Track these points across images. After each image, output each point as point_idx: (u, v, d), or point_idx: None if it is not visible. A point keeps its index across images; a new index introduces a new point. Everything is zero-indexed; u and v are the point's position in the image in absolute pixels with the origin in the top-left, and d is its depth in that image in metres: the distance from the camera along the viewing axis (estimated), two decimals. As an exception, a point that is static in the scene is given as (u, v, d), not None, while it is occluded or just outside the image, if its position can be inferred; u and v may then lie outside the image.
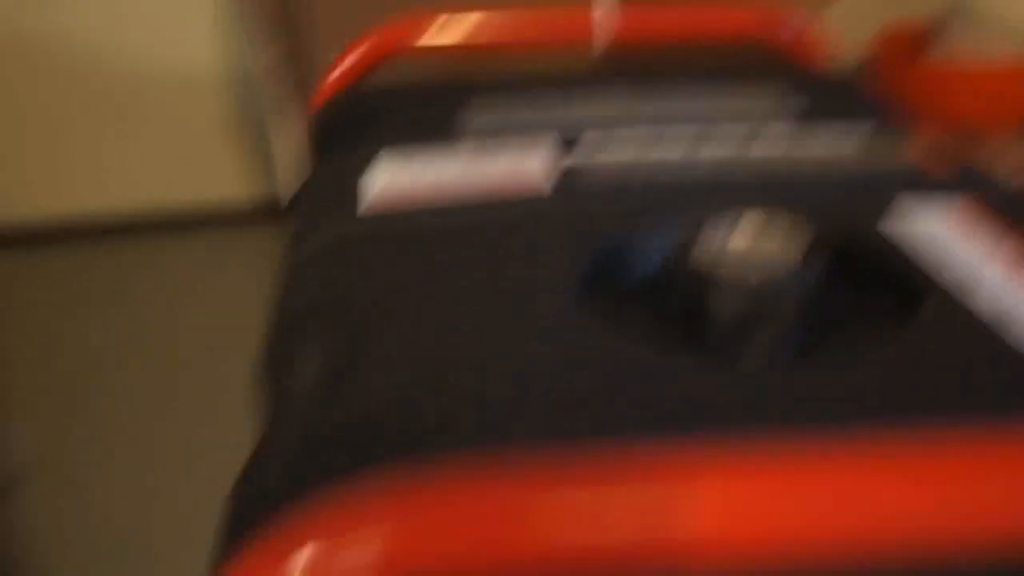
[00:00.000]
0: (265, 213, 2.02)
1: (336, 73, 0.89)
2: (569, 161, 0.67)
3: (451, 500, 0.41)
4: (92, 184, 2.05)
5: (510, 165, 0.66)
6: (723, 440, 0.43)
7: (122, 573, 1.48)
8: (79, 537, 1.53)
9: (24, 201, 2.06)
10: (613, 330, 0.51)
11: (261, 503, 0.45)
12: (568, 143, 0.69)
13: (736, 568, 0.40)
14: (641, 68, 0.84)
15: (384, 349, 0.53)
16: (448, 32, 0.88)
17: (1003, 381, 0.44)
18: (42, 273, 2.05)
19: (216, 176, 2.04)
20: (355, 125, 0.77)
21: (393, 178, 0.66)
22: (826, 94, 0.77)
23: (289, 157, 1.92)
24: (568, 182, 0.63)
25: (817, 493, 0.40)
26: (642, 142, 0.68)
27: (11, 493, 1.61)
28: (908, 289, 0.52)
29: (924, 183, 0.63)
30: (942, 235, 0.56)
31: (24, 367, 1.84)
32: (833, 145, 0.68)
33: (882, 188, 0.62)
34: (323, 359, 0.56)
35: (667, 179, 0.64)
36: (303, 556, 0.39)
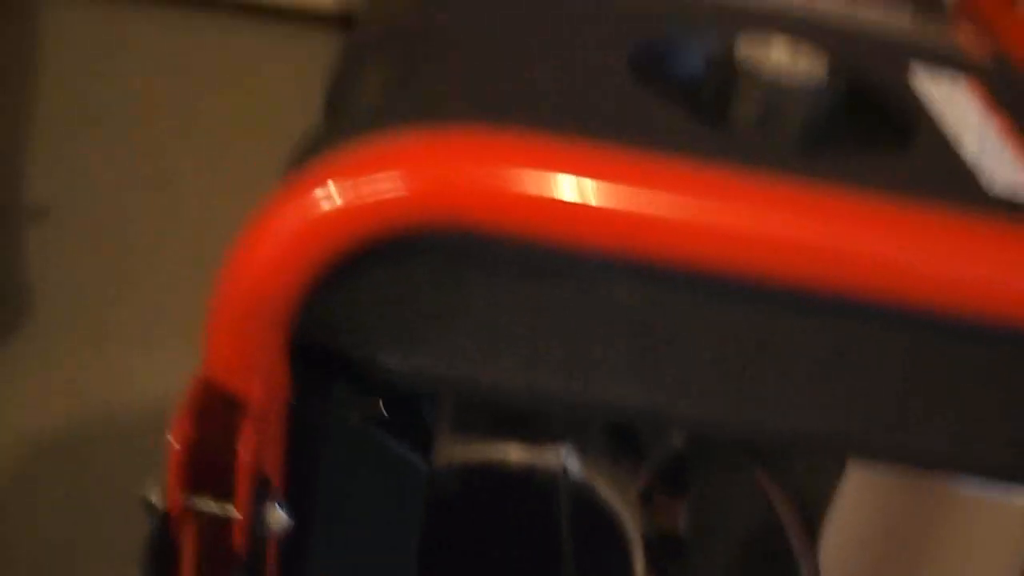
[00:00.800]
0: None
1: None
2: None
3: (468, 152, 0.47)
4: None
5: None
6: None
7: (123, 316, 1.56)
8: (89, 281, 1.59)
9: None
10: (655, 100, 0.55)
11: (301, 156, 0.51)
12: None
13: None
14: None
15: (441, 63, 0.58)
16: None
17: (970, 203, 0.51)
18: (99, 27, 2.09)
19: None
20: None
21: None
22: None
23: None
24: None
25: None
26: None
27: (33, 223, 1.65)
28: (907, 129, 0.57)
29: (956, 60, 0.68)
30: (953, 99, 0.61)
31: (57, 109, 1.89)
32: (887, 16, 0.72)
33: (916, 53, 0.66)
34: (385, 73, 0.61)
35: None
36: (330, 190, 0.46)
